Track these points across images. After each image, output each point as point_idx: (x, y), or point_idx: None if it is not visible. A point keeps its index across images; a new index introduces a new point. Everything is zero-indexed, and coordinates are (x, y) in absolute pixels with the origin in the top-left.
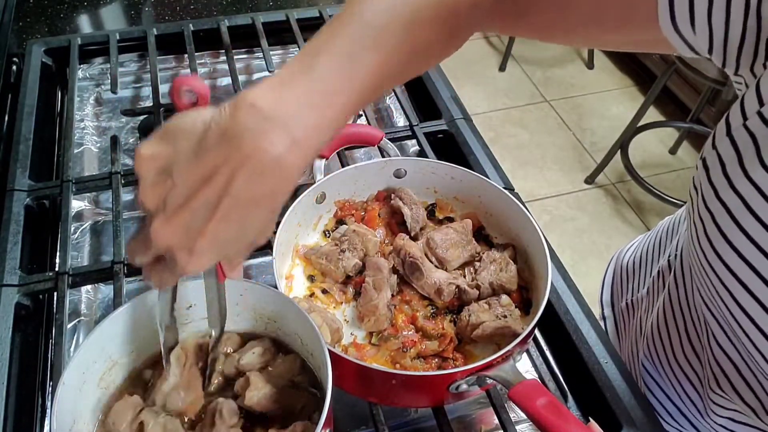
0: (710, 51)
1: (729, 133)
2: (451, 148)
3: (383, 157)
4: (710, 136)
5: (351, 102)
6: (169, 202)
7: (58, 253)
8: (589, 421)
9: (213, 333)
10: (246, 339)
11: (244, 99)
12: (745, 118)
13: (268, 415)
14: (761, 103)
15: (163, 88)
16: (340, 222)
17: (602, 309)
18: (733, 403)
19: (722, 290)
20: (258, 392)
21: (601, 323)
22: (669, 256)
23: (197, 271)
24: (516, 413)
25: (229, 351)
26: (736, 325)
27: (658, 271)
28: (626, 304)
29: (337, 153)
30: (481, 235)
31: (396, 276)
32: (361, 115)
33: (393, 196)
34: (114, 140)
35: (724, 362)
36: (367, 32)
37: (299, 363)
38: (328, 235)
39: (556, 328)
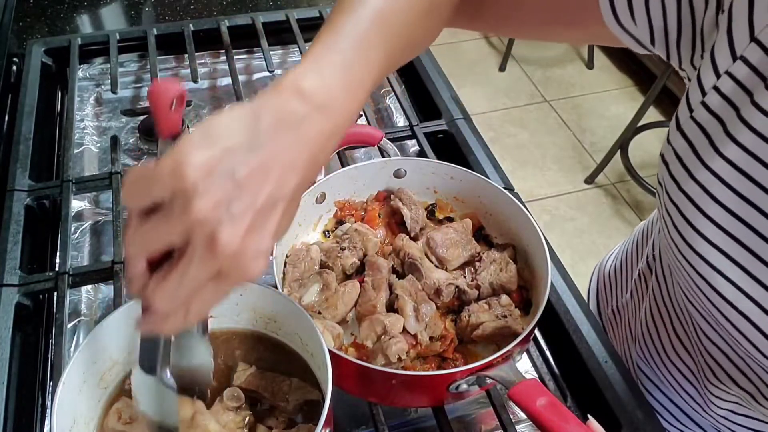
0: (652, 42)
1: (679, 127)
2: (451, 148)
3: (383, 157)
4: (666, 134)
5: (365, 95)
6: (234, 206)
7: (58, 253)
8: (588, 419)
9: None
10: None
11: (292, 83)
12: (690, 110)
13: (259, 394)
14: (703, 93)
15: None
16: (339, 222)
17: None
18: (732, 393)
19: (698, 278)
20: (244, 372)
21: None
22: (647, 258)
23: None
24: (516, 413)
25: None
26: (717, 313)
27: (639, 274)
28: (612, 310)
29: (337, 153)
30: (481, 235)
31: (395, 276)
32: (361, 115)
33: (392, 196)
34: (114, 140)
35: (714, 352)
36: (372, 29)
37: (285, 354)
38: (328, 235)
39: (556, 328)
